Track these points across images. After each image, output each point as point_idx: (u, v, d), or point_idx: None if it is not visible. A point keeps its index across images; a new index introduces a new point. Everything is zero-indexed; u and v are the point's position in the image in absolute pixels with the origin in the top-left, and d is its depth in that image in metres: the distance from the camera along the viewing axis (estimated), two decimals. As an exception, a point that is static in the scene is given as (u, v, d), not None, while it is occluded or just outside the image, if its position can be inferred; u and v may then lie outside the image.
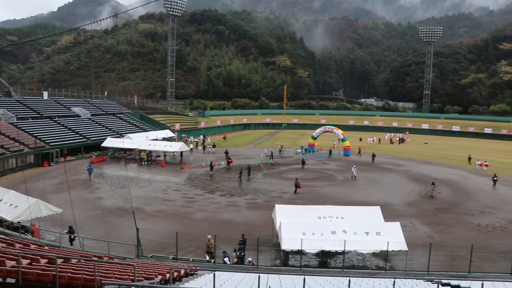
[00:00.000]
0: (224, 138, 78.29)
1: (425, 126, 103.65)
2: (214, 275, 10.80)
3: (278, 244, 20.38)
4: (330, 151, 59.03)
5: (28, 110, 59.35)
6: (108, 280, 9.97)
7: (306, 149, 61.59)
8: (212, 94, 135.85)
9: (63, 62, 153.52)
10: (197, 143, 67.90)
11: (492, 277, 17.51)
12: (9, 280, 9.86)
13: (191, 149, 58.97)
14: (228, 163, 48.41)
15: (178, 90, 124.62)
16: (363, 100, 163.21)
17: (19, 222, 20.67)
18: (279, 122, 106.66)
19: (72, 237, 21.39)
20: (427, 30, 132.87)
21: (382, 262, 20.34)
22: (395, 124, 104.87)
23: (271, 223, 23.12)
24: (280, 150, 60.82)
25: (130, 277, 11.25)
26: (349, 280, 11.73)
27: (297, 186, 35.51)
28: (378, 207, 23.75)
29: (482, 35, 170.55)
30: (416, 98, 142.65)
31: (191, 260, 19.69)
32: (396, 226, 20.53)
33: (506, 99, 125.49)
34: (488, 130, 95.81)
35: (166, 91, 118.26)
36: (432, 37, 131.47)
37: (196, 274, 15.39)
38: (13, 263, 10.28)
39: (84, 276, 10.29)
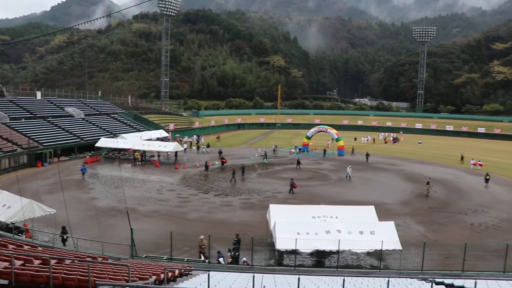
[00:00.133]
0: (218, 138, 78.17)
1: (418, 125, 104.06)
2: (208, 275, 10.78)
3: (272, 244, 20.40)
4: (325, 151, 59.16)
5: (21, 110, 58.97)
6: (102, 281, 9.93)
7: (300, 149, 61.67)
8: (206, 94, 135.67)
9: (57, 62, 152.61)
10: (191, 143, 67.80)
11: (485, 275, 17.63)
12: (1, 281, 9.79)
13: (185, 149, 58.93)
14: (223, 163, 48.34)
15: (172, 90, 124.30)
16: (357, 99, 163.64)
17: (13, 223, 20.53)
18: (273, 122, 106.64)
19: (65, 237, 21.27)
20: (421, 30, 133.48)
21: (376, 261, 20.40)
22: (389, 124, 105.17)
23: (266, 223, 23.13)
24: (274, 150, 60.83)
25: (124, 277, 11.22)
26: (344, 280, 11.76)
27: (292, 186, 35.51)
28: (372, 206, 23.84)
29: (475, 35, 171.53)
30: (410, 98, 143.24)
31: (185, 260, 19.65)
32: (390, 225, 20.60)
33: (499, 98, 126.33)
34: (481, 130, 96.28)
35: (160, 91, 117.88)
36: (426, 37, 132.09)
37: (191, 274, 15.37)
38: (6, 264, 10.21)
39: (78, 277, 10.25)
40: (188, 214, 28.82)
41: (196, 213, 29.13)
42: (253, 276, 11.36)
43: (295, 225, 19.97)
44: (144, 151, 51.45)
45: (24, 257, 11.57)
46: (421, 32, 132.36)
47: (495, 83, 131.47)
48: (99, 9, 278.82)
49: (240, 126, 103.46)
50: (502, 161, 56.96)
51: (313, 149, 63.16)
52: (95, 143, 53.96)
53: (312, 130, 63.81)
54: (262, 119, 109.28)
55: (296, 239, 18.56)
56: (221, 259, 19.59)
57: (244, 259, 19.55)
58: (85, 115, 66.84)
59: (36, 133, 52.12)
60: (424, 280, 15.13)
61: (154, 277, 12.35)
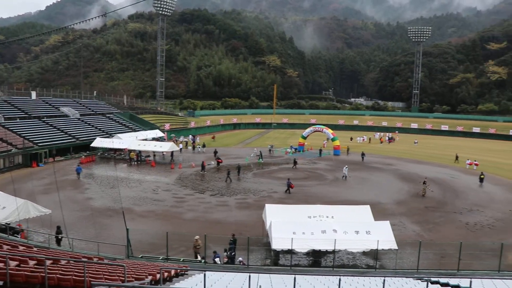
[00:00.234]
0: (213, 138, 78.04)
1: (414, 125, 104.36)
2: (204, 275, 10.77)
3: (268, 244, 20.42)
4: (320, 151, 59.25)
5: (16, 110, 58.66)
6: (98, 281, 9.91)
7: (296, 149, 61.72)
8: (202, 94, 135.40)
9: (52, 62, 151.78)
10: (186, 143, 67.72)
11: (481, 274, 17.74)
12: (-4, 282, 9.75)
13: (181, 149, 58.87)
14: (218, 163, 48.29)
15: (167, 90, 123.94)
16: (352, 99, 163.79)
17: (7, 224, 20.43)
18: (269, 121, 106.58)
19: (60, 237, 21.19)
20: (416, 30, 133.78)
21: (372, 261, 20.47)
22: (384, 124, 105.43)
23: (262, 223, 23.14)
24: (270, 150, 60.85)
25: (120, 277, 11.19)
26: (340, 279, 11.77)
27: (289, 186, 35.55)
28: (368, 206, 23.90)
29: (470, 35, 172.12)
30: (405, 98, 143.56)
31: (181, 260, 19.63)
32: (385, 225, 20.66)
33: (493, 98, 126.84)
34: (476, 129, 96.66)
35: (155, 91, 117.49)
36: (421, 37, 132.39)
37: (187, 274, 15.35)
38: (1, 265, 10.17)
39: (73, 277, 10.21)
40: (184, 214, 28.79)
41: (192, 213, 29.10)
42: (249, 276, 11.35)
43: (291, 225, 19.99)
44: (140, 151, 51.37)
45: (19, 257, 11.52)
46: (416, 32, 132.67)
47: (490, 83, 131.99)
48: (94, 9, 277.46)
49: (235, 126, 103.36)
50: (497, 160, 57.26)
51: (309, 149, 63.25)
52: (91, 143, 53.80)
53: (308, 130, 63.86)
54: (257, 119, 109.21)
55: (292, 238, 18.58)
56: (217, 259, 19.59)
57: (240, 259, 19.55)
58: (81, 115, 66.58)
59: (31, 133, 51.89)
60: (420, 279, 15.20)
61: (150, 277, 12.34)
